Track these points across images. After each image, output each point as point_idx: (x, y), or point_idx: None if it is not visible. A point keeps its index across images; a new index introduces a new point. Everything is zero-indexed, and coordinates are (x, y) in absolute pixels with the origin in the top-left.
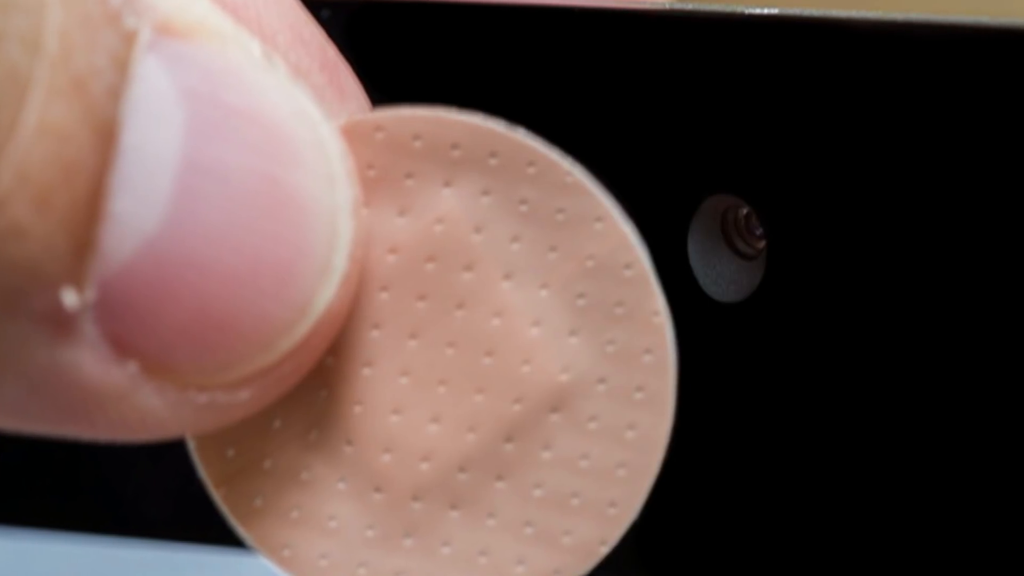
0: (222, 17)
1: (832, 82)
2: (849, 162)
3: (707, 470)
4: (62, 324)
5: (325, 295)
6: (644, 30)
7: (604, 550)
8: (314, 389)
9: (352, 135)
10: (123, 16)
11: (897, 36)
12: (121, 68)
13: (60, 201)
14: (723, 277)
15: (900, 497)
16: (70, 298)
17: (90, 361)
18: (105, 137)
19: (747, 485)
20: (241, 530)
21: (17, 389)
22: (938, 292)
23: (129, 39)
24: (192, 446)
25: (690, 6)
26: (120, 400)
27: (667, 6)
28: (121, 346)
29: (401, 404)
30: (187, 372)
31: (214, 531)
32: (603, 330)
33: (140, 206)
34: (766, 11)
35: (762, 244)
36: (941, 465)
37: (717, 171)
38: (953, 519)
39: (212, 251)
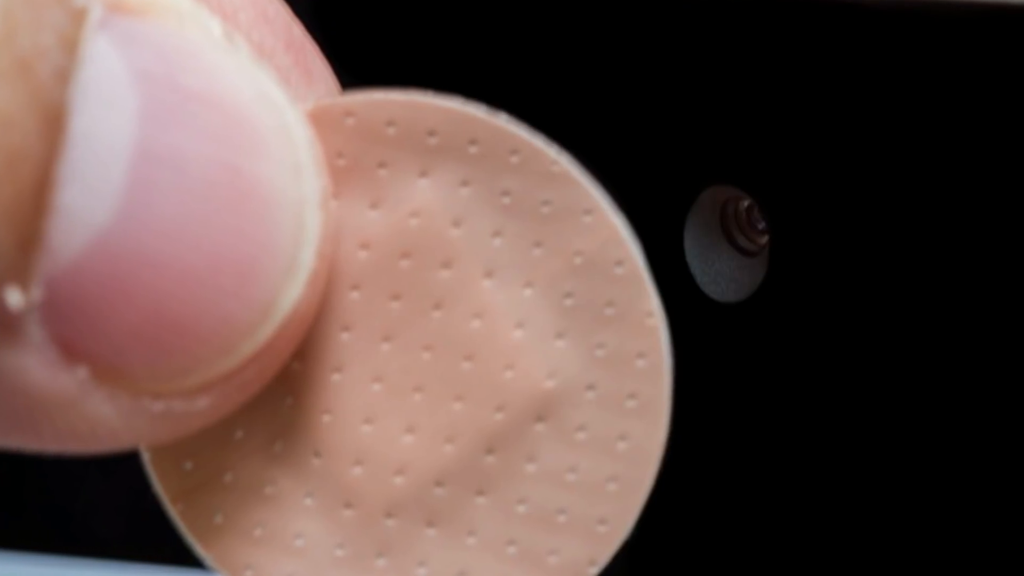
0: None
1: (840, 64)
2: (858, 151)
3: (704, 484)
4: (5, 326)
5: (291, 294)
6: (635, 6)
7: (593, 571)
8: (279, 397)
9: (320, 121)
10: None
11: (910, 15)
12: (70, 48)
13: (3, 192)
14: (722, 275)
15: (910, 514)
16: (14, 298)
17: (36, 366)
18: (52, 123)
19: (747, 501)
20: (200, 549)
21: None
22: (959, 296)
23: (78, 17)
24: (146, 458)
25: None
26: (68, 408)
27: None
28: (70, 350)
29: (373, 413)
30: (141, 378)
31: (170, 550)
32: (592, 332)
33: (90, 198)
34: None
35: (764, 239)
36: (952, 474)
37: (716, 160)
38: (955, 527)
39: (168, 247)
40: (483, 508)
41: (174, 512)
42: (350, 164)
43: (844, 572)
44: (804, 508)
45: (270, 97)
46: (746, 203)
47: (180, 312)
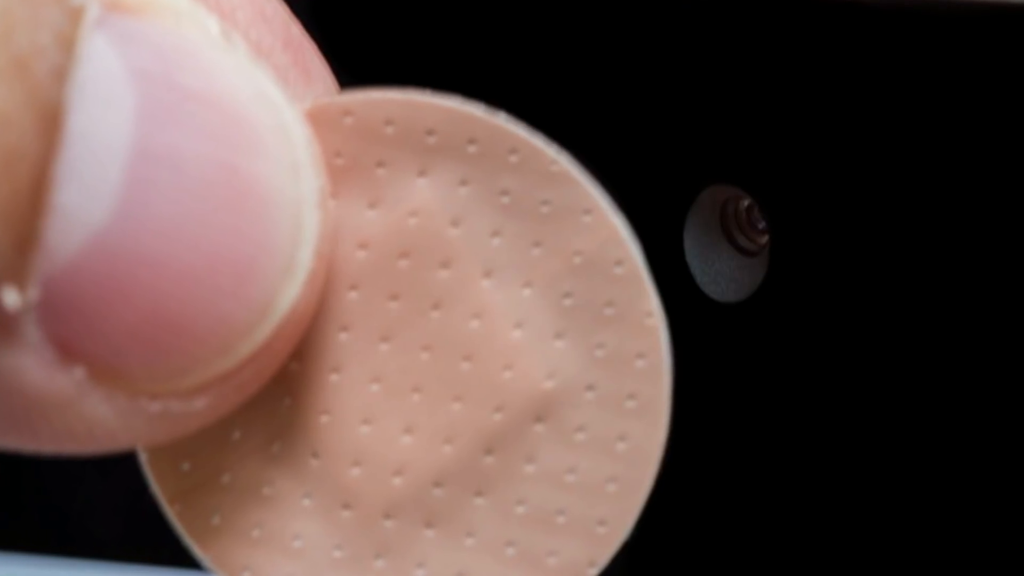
0: None
1: (840, 64)
2: (858, 151)
3: (704, 485)
4: (2, 326)
5: (289, 294)
6: (635, 6)
7: (593, 572)
8: (277, 397)
9: (318, 120)
10: None
11: (910, 15)
12: (67, 47)
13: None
14: (722, 275)
15: (910, 514)
16: (11, 298)
17: (33, 366)
18: (49, 122)
19: (747, 501)
20: (197, 550)
21: None
22: (959, 296)
23: (75, 15)
24: (144, 459)
25: None
26: (65, 408)
27: None
28: (67, 350)
29: (371, 413)
30: (138, 378)
31: (168, 551)
32: (592, 332)
33: (87, 198)
34: None
35: (764, 239)
36: (952, 474)
37: (716, 160)
38: (955, 527)
39: (166, 246)
40: (482, 509)
41: (171, 513)
42: (348, 163)
43: (844, 572)
44: (804, 508)
45: (268, 96)
46: (746, 203)
47: (178, 312)
